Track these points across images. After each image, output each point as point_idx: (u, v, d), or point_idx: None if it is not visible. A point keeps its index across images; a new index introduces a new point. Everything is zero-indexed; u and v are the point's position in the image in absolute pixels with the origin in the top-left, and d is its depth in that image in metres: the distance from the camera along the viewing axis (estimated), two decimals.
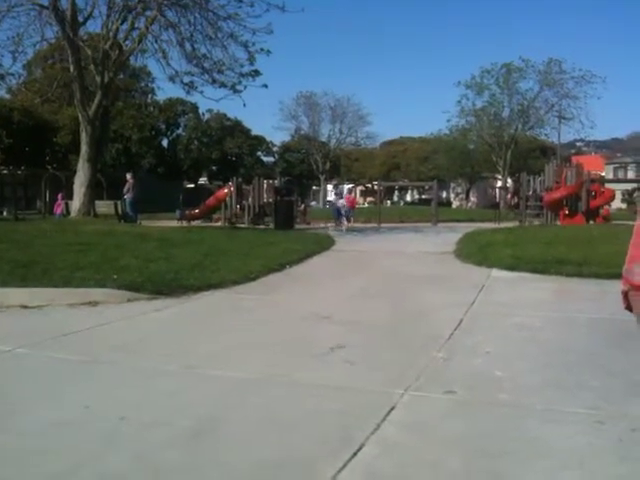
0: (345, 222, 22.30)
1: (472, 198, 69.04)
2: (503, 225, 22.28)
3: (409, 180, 61.15)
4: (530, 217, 24.91)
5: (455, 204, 67.53)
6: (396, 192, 78.39)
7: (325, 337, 5.42)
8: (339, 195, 26.04)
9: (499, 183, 55.51)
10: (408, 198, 76.88)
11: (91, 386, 4.11)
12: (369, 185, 70.79)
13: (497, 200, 41.17)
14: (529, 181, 26.90)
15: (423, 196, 68.56)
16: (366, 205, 61.08)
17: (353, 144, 71.83)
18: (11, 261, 8.28)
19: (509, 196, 42.33)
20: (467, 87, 53.26)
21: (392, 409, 3.61)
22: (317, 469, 2.87)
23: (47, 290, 6.92)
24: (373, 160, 71.44)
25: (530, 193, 25.93)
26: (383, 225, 24.86)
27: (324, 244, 14.05)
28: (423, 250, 13.49)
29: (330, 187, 76.02)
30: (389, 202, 70.40)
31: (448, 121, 56.28)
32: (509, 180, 53.99)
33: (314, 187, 71.95)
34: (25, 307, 6.55)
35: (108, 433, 3.29)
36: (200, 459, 3.00)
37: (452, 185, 71.73)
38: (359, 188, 75.36)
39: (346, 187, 71.43)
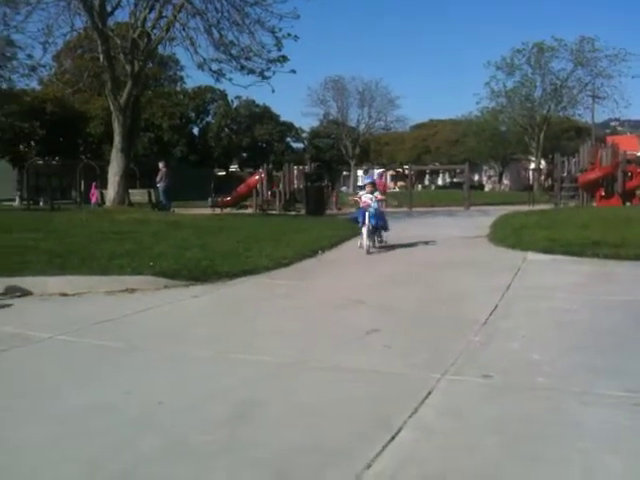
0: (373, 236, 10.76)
1: (505, 181, 68.07)
2: (537, 207, 21.94)
3: (440, 163, 60.51)
4: (565, 199, 24.51)
5: (488, 187, 66.64)
6: (427, 176, 77.68)
7: (359, 322, 5.44)
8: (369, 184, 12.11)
9: (532, 165, 54.62)
10: (439, 182, 76.13)
11: (130, 372, 4.20)
12: (400, 169, 70.31)
13: (531, 182, 40.52)
14: (563, 162, 26.43)
15: (455, 179, 67.83)
16: (397, 190, 60.70)
17: (383, 128, 71.36)
18: (49, 250, 8.46)
19: (543, 178, 41.71)
20: (497, 68, 52.36)
21: (429, 393, 3.62)
22: (355, 453, 2.89)
23: (85, 278, 7.05)
24: (403, 144, 70.77)
25: (564, 174, 25.49)
26: (414, 209, 24.73)
27: (356, 229, 13.98)
28: (456, 234, 13.38)
29: (360, 172, 75.79)
30: (420, 186, 69.80)
31: (477, 103, 55.48)
32: (543, 162, 53.13)
33: (344, 172, 71.68)
34: (64, 295, 6.70)
35: (147, 417, 3.37)
36: (236, 443, 3.04)
37: (484, 168, 70.73)
38: (389, 173, 74.92)
39: (376, 172, 71.11)
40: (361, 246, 10.32)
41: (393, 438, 3.03)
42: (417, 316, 5.76)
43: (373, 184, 11.26)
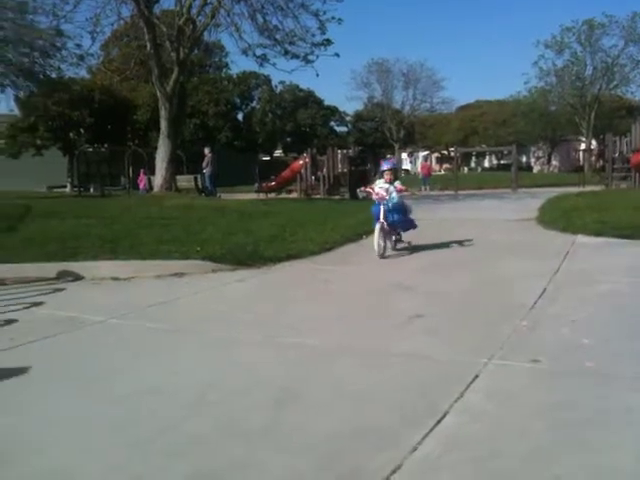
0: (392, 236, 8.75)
1: (554, 162, 66.42)
2: (588, 189, 21.37)
3: (487, 145, 59.46)
4: (616, 180, 23.76)
5: (536, 169, 65.18)
6: (473, 158, 76.51)
7: (404, 306, 5.42)
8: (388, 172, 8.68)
9: (583, 145, 53.18)
10: (486, 164, 74.91)
11: (180, 354, 4.30)
12: (445, 152, 69.43)
13: (581, 163, 39.46)
14: (615, 142, 25.60)
15: (502, 161, 66.65)
16: (442, 172, 59.98)
17: (428, 110, 70.53)
18: (101, 236, 8.69)
19: (594, 159, 40.55)
20: (546, 47, 51.03)
21: (476, 378, 3.59)
22: (400, 436, 2.90)
23: (135, 262, 7.23)
24: (449, 126, 69.76)
25: (616, 155, 24.70)
26: (460, 192, 24.39)
27: None
28: (503, 217, 13.15)
29: (405, 155, 75.15)
30: (466, 169, 68.84)
31: (526, 83, 54.19)
32: (593, 142, 51.64)
33: (388, 155, 71.21)
34: (116, 279, 6.88)
35: (196, 399, 3.44)
36: (283, 425, 3.09)
37: (532, 149, 69.18)
38: (435, 155, 74.05)
39: (421, 154, 70.44)
40: (379, 247, 8.08)
41: (439, 422, 3.03)
42: (463, 301, 5.71)
43: (394, 171, 8.73)
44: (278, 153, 63.80)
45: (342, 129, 72.96)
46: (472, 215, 14.22)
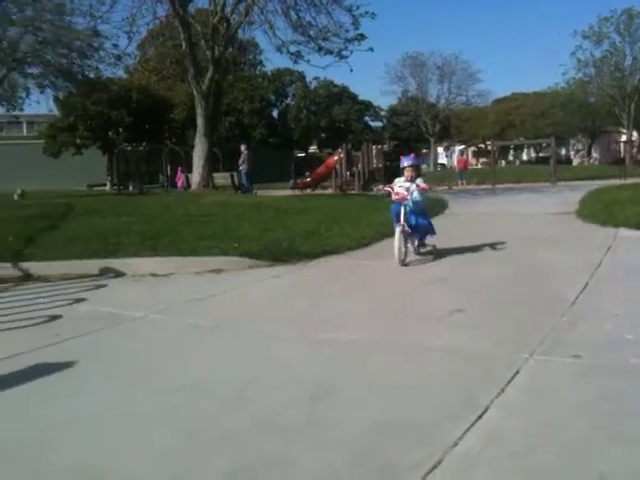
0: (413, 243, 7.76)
1: (594, 154, 65.00)
2: (629, 182, 20.88)
3: (524, 138, 58.48)
4: None
5: (576, 161, 63.91)
6: (511, 151, 75.38)
7: (443, 301, 5.39)
8: (409, 169, 7.69)
9: (623, 137, 51.85)
10: (524, 157, 73.73)
11: (217, 350, 4.35)
12: (482, 145, 68.58)
13: (622, 155, 38.52)
14: None
15: (540, 154, 65.51)
16: (479, 166, 59.26)
17: (463, 103, 69.69)
18: (141, 233, 8.83)
19: (635, 150, 39.56)
20: (584, 37, 49.77)
21: (517, 373, 3.55)
22: (440, 432, 2.88)
23: (174, 259, 7.33)
24: (485, 119, 68.78)
25: None
26: (498, 186, 24.07)
27: (436, 208, 13.78)
28: (542, 211, 12.94)
29: (440, 149, 74.46)
30: (504, 162, 67.87)
31: (564, 74, 53.01)
32: (635, 133, 50.33)
33: (424, 150, 70.62)
34: (155, 275, 7.00)
35: (234, 395, 3.48)
36: (319, 421, 3.10)
37: (572, 141, 67.79)
38: (471, 149, 73.23)
39: (457, 148, 69.71)
40: (400, 253, 7.21)
41: (480, 417, 3.00)
42: (503, 295, 5.64)
43: (415, 168, 7.74)
44: (313, 149, 63.92)
45: (377, 124, 72.65)
46: (510, 209, 14.02)
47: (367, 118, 70.80)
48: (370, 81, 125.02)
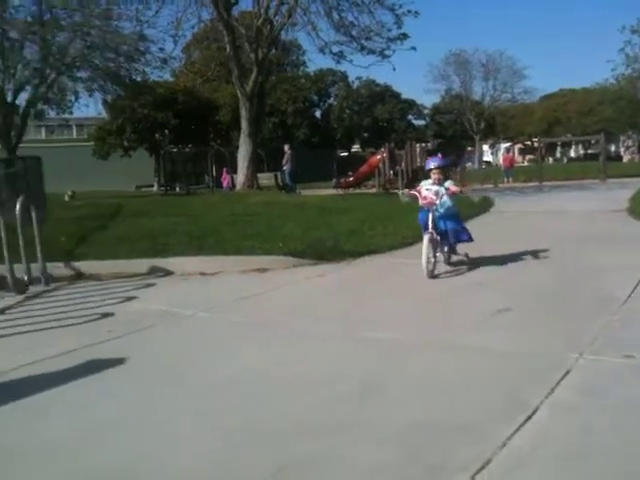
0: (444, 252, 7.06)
1: None
2: None
3: (572, 135, 57.17)
4: None
5: (626, 158, 62.12)
6: (558, 148, 73.81)
7: (489, 300, 5.33)
8: (436, 170, 6.88)
9: None
10: (572, 154, 72.09)
11: (263, 347, 4.39)
12: (528, 142, 67.35)
13: None
14: None
15: (589, 151, 63.95)
16: (526, 164, 58.22)
17: (509, 100, 68.65)
18: (188, 233, 8.99)
19: None
20: (633, 32, 48.26)
21: (567, 373, 3.49)
22: (489, 432, 2.85)
23: (220, 258, 7.44)
24: (531, 116, 67.49)
25: None
26: (545, 184, 23.62)
27: (482, 206, 13.65)
28: (591, 208, 12.65)
29: (486, 147, 73.43)
30: (551, 159, 66.50)
31: (613, 70, 51.53)
32: None
33: (468, 148, 69.75)
34: (203, 274, 7.11)
35: (280, 391, 3.52)
36: (366, 418, 3.11)
37: (622, 138, 65.96)
38: (517, 146, 72.01)
39: (503, 146, 68.62)
40: (428, 264, 6.49)
41: (529, 418, 2.96)
42: (552, 294, 5.54)
43: (442, 169, 6.96)
44: (356, 148, 63.80)
45: (420, 122, 72.07)
46: (558, 207, 13.74)
47: (410, 117, 70.32)
48: (413, 79, 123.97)
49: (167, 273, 7.19)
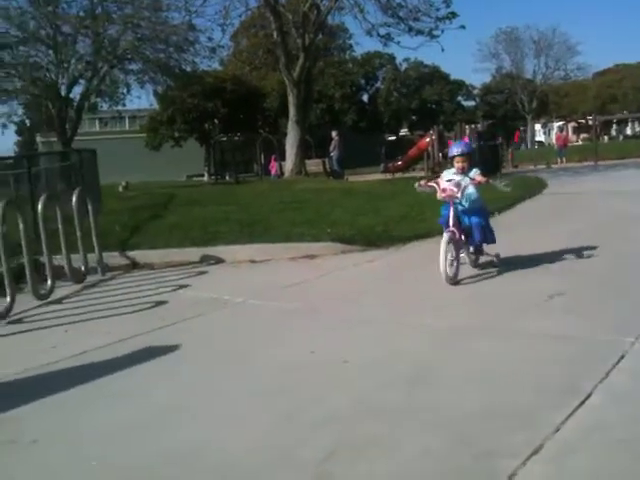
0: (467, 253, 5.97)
1: None
2: None
3: (628, 112, 55.14)
4: None
5: None
6: (614, 126, 71.35)
7: (542, 285, 5.23)
8: (459, 158, 5.84)
9: None
10: (628, 131, 69.60)
11: (314, 332, 4.45)
12: (582, 120, 65.35)
13: None
14: None
15: None
16: (580, 143, 56.56)
17: (562, 78, 66.65)
18: (238, 221, 9.12)
19: None
20: None
21: (622, 358, 3.43)
22: (540, 418, 2.83)
23: (270, 246, 7.53)
24: (585, 93, 65.40)
25: None
26: (600, 163, 22.90)
27: (535, 187, 13.36)
28: None
29: (538, 126, 71.60)
30: (606, 138, 64.37)
31: None
32: None
33: (520, 128, 68.18)
34: (253, 262, 7.22)
35: (331, 376, 3.57)
36: (416, 403, 3.12)
37: None
38: (571, 125, 69.93)
39: (556, 125, 66.80)
40: (447, 268, 5.51)
41: (582, 403, 2.92)
42: (606, 279, 5.40)
43: (467, 156, 5.84)
44: (404, 132, 63.14)
45: (469, 103, 70.69)
46: (614, 187, 13.32)
47: (459, 98, 69.07)
48: (462, 59, 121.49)
49: (218, 261, 7.32)
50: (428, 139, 23.72)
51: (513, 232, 8.51)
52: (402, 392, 3.26)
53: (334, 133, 22.99)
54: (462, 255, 5.82)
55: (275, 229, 8.36)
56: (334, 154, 22.70)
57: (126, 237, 8.26)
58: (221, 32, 21.68)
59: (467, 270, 5.82)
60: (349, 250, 7.47)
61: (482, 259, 6.06)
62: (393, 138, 54.16)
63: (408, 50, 22.31)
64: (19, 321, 5.28)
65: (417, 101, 62.30)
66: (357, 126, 52.76)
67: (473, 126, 27.84)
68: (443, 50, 22.29)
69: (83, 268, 6.78)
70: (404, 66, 64.03)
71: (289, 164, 21.60)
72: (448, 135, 25.07)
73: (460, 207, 5.73)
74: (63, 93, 21.84)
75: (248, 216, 9.68)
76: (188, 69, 23.58)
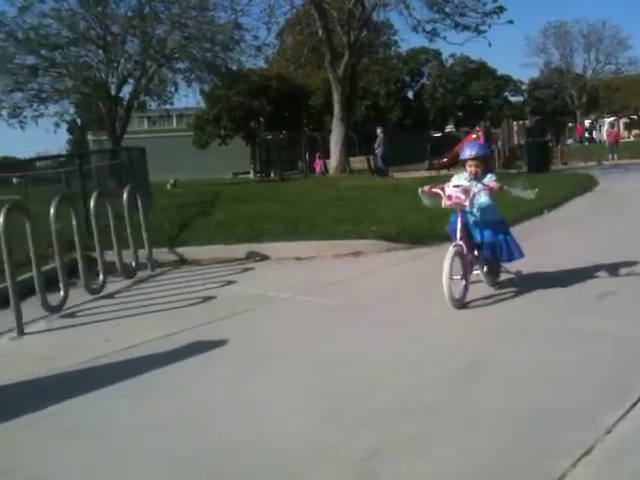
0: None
1: None
2: None
3: None
4: None
5: None
6: None
7: (592, 283, 5.14)
8: (472, 161, 5.05)
9: None
10: None
11: (360, 329, 4.46)
12: (634, 116, 63.47)
13: None
14: None
15: None
16: (632, 139, 54.93)
17: (613, 72, 64.80)
18: (283, 218, 9.18)
19: None
20: None
21: None
22: (593, 418, 2.78)
23: (315, 243, 7.55)
24: (637, 88, 63.45)
25: None
26: None
27: (585, 184, 13.08)
28: None
29: (588, 122, 69.83)
30: None
31: None
32: None
33: (569, 124, 66.58)
34: (298, 259, 7.25)
35: (376, 373, 3.57)
36: (464, 401, 3.10)
37: None
38: (623, 120, 67.98)
39: (607, 121, 65.04)
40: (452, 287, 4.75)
41: (635, 404, 2.86)
42: None
43: (481, 159, 5.12)
44: (449, 128, 62.39)
45: (517, 99, 69.29)
46: None
47: (507, 93, 67.82)
48: (509, 55, 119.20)
49: (263, 258, 7.39)
50: (474, 135, 23.41)
51: (564, 228, 8.33)
52: (448, 390, 3.24)
53: (379, 130, 22.90)
54: (476, 272, 5.09)
55: (320, 226, 8.38)
56: (379, 151, 22.61)
57: (174, 234, 8.41)
58: (266, 30, 21.87)
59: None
60: (394, 248, 7.45)
61: (503, 276, 5.35)
62: (439, 135, 53.63)
63: (454, 46, 22.15)
64: (72, 315, 5.44)
65: (463, 97, 61.42)
66: (402, 123, 52.36)
67: (521, 122, 27.28)
68: (490, 45, 21.99)
69: (134, 264, 6.93)
70: (450, 62, 63.18)
71: (333, 161, 21.62)
72: (495, 131, 24.70)
73: (471, 217, 5.02)
74: (113, 92, 22.35)
75: (293, 213, 9.73)
76: (234, 67, 23.83)
